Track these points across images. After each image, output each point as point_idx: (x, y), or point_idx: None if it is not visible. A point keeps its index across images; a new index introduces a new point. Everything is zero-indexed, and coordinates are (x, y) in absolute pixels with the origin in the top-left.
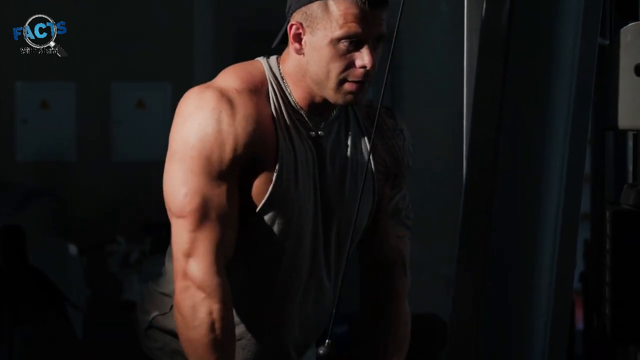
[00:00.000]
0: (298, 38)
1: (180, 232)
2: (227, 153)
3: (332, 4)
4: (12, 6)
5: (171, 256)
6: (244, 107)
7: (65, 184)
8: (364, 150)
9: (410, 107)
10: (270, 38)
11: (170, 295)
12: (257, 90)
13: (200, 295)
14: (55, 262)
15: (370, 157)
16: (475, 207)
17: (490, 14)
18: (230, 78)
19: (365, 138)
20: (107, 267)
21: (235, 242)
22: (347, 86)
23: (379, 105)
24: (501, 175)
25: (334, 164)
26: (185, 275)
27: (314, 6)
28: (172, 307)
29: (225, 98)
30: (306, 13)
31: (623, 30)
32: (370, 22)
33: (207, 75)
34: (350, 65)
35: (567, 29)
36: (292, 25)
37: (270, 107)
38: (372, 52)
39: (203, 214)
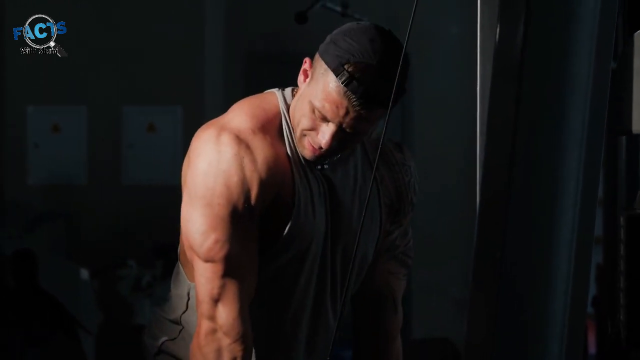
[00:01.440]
0: (305, 74)
1: (209, 276)
2: (253, 200)
3: (329, 75)
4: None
5: (177, 282)
6: (262, 151)
7: (76, 207)
8: (370, 184)
9: (422, 130)
10: (280, 61)
11: (177, 322)
12: (270, 127)
13: (226, 340)
14: (66, 286)
15: (379, 187)
16: (489, 231)
17: (504, 38)
18: (244, 117)
19: (372, 172)
20: (119, 291)
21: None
22: (306, 143)
23: (383, 135)
24: (515, 200)
25: (342, 196)
26: (213, 319)
27: (320, 63)
28: (180, 332)
29: (244, 143)
30: (316, 63)
31: (637, 34)
32: (349, 116)
33: (217, 98)
34: (315, 130)
35: (581, 53)
36: (306, 61)
37: (284, 142)
38: (337, 135)
39: (232, 261)
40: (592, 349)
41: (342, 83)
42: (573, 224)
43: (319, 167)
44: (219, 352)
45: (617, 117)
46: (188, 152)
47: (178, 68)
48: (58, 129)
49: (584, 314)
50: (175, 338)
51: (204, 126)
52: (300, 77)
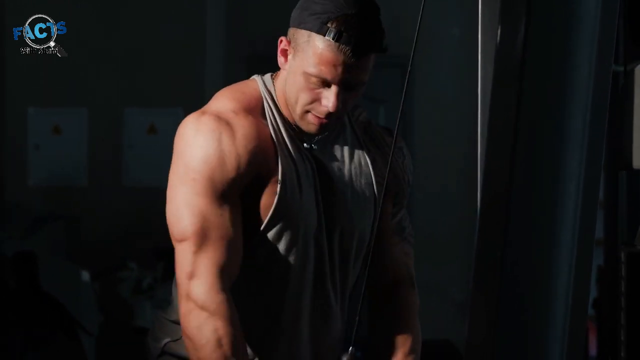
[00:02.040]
0: (284, 53)
1: (184, 255)
2: (230, 172)
3: (315, 38)
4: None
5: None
6: (242, 127)
7: (76, 209)
8: (362, 163)
9: (423, 132)
10: None
11: (179, 323)
12: (253, 109)
13: (203, 314)
14: (67, 287)
15: (372, 168)
16: (490, 232)
17: (505, 40)
18: (225, 101)
19: (364, 152)
20: (119, 293)
21: (241, 262)
22: (311, 117)
23: (397, 131)
24: (516, 201)
25: (334, 175)
26: (189, 297)
27: (300, 33)
28: None
29: (223, 120)
30: (294, 35)
31: (638, 68)
32: (346, 69)
33: None
34: (317, 100)
35: (582, 55)
36: (281, 40)
37: (267, 124)
38: (340, 95)
39: (204, 235)
40: (592, 350)
41: (333, 39)
42: (574, 225)
43: (307, 145)
44: (199, 328)
45: (618, 152)
46: (175, 139)
47: (179, 69)
48: (59, 131)
49: (585, 315)
50: (178, 339)
51: (186, 117)
52: (281, 59)
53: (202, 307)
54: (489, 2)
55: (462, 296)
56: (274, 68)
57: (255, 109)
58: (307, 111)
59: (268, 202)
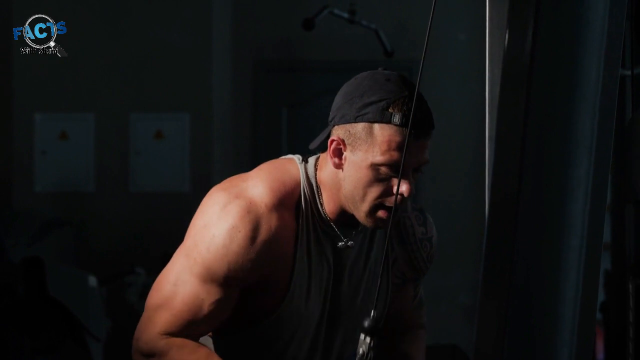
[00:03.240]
0: (339, 153)
1: (145, 321)
2: (231, 272)
3: (377, 128)
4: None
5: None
6: (267, 231)
7: (84, 215)
8: (383, 264)
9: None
10: (288, 68)
11: None
12: (288, 203)
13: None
14: (74, 293)
15: (390, 269)
16: (499, 237)
17: (513, 45)
18: (262, 189)
19: (389, 250)
20: (127, 298)
21: (231, 341)
22: (381, 213)
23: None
24: (524, 206)
25: (352, 273)
26: (135, 352)
27: (359, 127)
28: None
29: (251, 216)
30: (349, 131)
31: None
32: (414, 151)
33: (225, 105)
34: (388, 191)
35: (589, 59)
36: (333, 140)
37: (297, 221)
38: (411, 179)
39: (169, 299)
40: (600, 354)
41: (399, 123)
42: (582, 230)
43: (341, 243)
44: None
45: (625, 184)
46: (200, 206)
47: (185, 75)
48: (66, 137)
49: (593, 320)
50: None
51: (221, 185)
52: (335, 160)
53: (149, 355)
54: (496, 6)
55: (471, 301)
56: (281, 74)
57: (290, 204)
58: (378, 206)
59: (270, 303)
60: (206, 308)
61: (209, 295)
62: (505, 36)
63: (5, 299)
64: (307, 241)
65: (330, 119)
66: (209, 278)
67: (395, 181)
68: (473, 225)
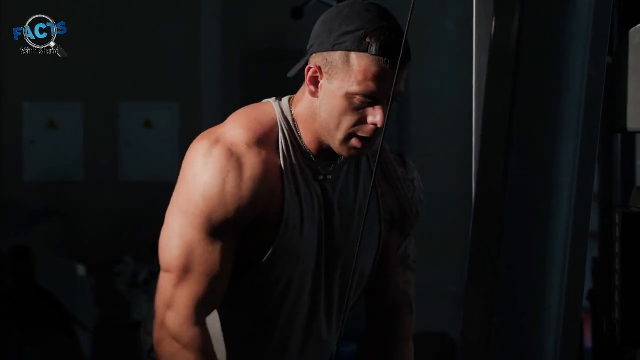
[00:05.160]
0: (314, 81)
1: (165, 284)
2: (229, 213)
3: (354, 57)
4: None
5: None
6: (251, 167)
7: (72, 204)
8: (371, 197)
9: (418, 126)
10: (277, 57)
11: None
12: (266, 140)
13: (176, 345)
14: (63, 282)
15: (380, 203)
16: (485, 225)
17: (499, 31)
18: (239, 129)
19: (374, 185)
20: (115, 287)
21: (234, 291)
22: (354, 141)
23: (379, 149)
24: (510, 194)
25: (342, 207)
26: (162, 325)
27: (336, 55)
28: None
29: (234, 156)
30: (326, 59)
31: (632, 31)
32: (390, 81)
33: (213, 94)
34: (362, 120)
35: (576, 45)
36: (309, 67)
37: (279, 155)
38: (385, 110)
39: (188, 269)
40: (587, 342)
41: (376, 53)
42: (568, 217)
43: (320, 177)
44: (172, 358)
45: (612, 114)
46: (183, 162)
47: (174, 64)
48: (54, 126)
49: (579, 307)
50: None
51: (199, 136)
52: (310, 87)
53: (175, 338)
54: None
55: (460, 291)
56: (269, 62)
57: (269, 141)
58: (351, 135)
59: (268, 238)
60: (218, 261)
61: (217, 247)
62: (491, 23)
63: None
64: (293, 174)
65: (308, 46)
66: (212, 229)
67: (369, 110)
68: (462, 214)
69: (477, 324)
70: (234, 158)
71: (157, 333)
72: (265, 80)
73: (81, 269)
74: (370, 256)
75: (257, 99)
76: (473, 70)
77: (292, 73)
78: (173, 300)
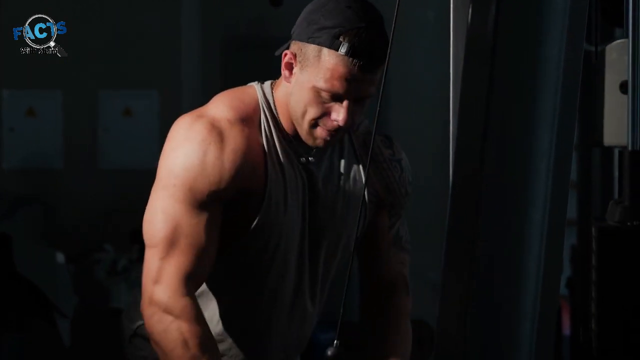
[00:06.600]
0: (289, 67)
1: (151, 260)
2: (211, 185)
3: (326, 54)
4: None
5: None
6: (233, 140)
7: (52, 192)
8: (357, 178)
9: (397, 115)
10: (257, 45)
11: None
12: (249, 119)
13: (168, 318)
14: (42, 270)
15: (365, 184)
16: (462, 213)
17: (476, 20)
18: (222, 107)
19: (360, 166)
20: (95, 275)
21: (218, 267)
22: (319, 131)
23: (373, 137)
24: (487, 182)
25: (326, 189)
26: (151, 301)
27: (310, 47)
28: None
29: (216, 130)
30: (302, 50)
31: (608, 48)
32: (358, 83)
33: (194, 82)
34: (326, 114)
35: (553, 34)
36: (286, 53)
37: (262, 136)
38: (350, 109)
39: (173, 242)
40: (566, 330)
41: (346, 53)
42: (544, 204)
43: (303, 159)
44: (165, 332)
45: (590, 129)
46: (166, 139)
47: (154, 51)
48: (33, 113)
49: (556, 295)
50: None
51: (182, 115)
52: (285, 72)
53: (166, 311)
54: None
55: (438, 278)
56: (250, 50)
57: (252, 120)
58: (315, 125)
59: (252, 215)
60: (204, 232)
61: (202, 219)
62: (468, 13)
63: None
64: (277, 155)
65: (292, 31)
66: (195, 200)
67: (334, 107)
68: (441, 202)
69: (454, 310)
70: (216, 132)
71: (146, 311)
72: (245, 67)
73: (61, 257)
74: (353, 233)
75: (237, 85)
76: (450, 59)
77: (278, 53)
78: (161, 274)
